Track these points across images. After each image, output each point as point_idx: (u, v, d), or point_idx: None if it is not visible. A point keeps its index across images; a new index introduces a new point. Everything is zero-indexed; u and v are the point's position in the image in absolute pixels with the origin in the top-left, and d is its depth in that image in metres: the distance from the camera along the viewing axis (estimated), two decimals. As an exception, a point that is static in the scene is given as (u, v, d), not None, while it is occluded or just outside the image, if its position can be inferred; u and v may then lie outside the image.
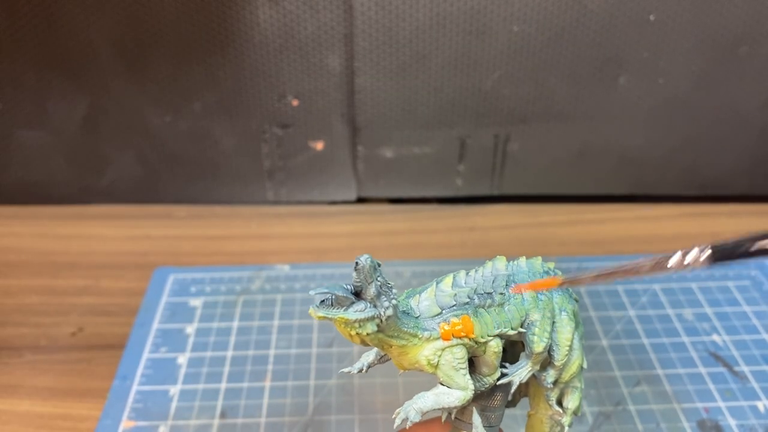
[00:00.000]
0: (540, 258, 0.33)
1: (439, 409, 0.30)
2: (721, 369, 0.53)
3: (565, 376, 0.32)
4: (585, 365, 0.33)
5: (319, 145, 0.71)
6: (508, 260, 0.32)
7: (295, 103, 0.68)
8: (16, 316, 0.59)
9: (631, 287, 0.61)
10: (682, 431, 0.48)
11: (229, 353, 0.54)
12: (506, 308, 0.30)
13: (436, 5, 0.62)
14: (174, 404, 0.50)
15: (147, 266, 0.64)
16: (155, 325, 0.57)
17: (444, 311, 0.30)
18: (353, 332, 0.28)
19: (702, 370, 0.53)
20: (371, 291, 0.27)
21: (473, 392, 0.30)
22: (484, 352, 0.30)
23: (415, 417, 0.30)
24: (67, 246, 0.68)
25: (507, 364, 0.32)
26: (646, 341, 0.55)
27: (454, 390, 0.30)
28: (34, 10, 0.62)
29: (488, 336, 0.30)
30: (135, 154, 0.71)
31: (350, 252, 0.66)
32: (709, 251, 0.23)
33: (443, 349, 0.29)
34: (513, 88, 0.67)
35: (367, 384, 0.51)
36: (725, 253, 0.22)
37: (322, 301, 0.28)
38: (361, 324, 0.28)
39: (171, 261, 0.65)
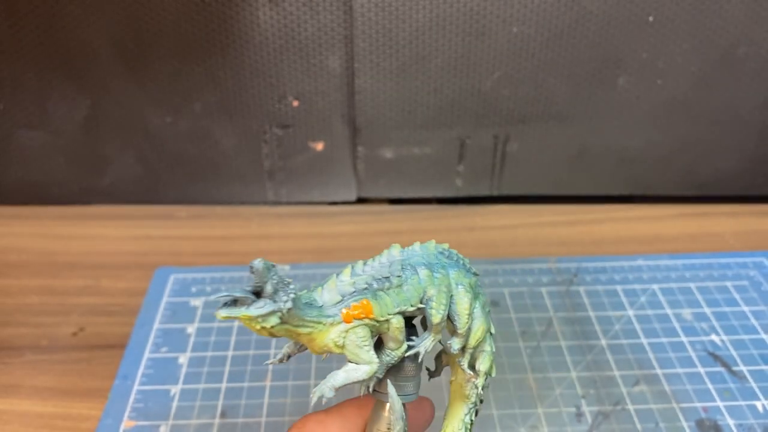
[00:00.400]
0: (433, 241, 0.35)
1: (352, 383, 0.33)
2: (720, 369, 0.53)
3: (472, 342, 0.35)
4: (492, 330, 0.36)
5: (320, 146, 0.71)
6: (404, 248, 0.35)
7: (295, 103, 0.68)
8: (16, 316, 0.59)
9: (630, 287, 0.61)
10: (681, 431, 0.48)
11: (230, 353, 0.54)
12: (404, 288, 0.33)
13: (436, 6, 0.62)
14: (175, 404, 0.50)
15: (148, 266, 0.64)
16: (156, 324, 0.57)
17: (345, 298, 0.32)
18: (258, 326, 0.30)
19: (701, 369, 0.53)
20: (268, 289, 0.30)
21: (380, 365, 0.33)
22: (388, 329, 0.33)
23: (329, 393, 0.33)
24: (67, 246, 0.68)
25: (414, 338, 0.34)
26: (644, 341, 0.55)
27: (362, 365, 0.33)
28: (34, 11, 0.62)
29: (388, 315, 0.33)
30: (135, 154, 0.71)
31: (350, 252, 0.66)
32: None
33: (347, 331, 0.32)
34: (512, 88, 0.67)
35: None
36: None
37: (225, 304, 0.30)
38: (264, 318, 0.30)
39: (172, 261, 0.65)
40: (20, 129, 0.69)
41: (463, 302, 0.34)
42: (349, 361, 0.33)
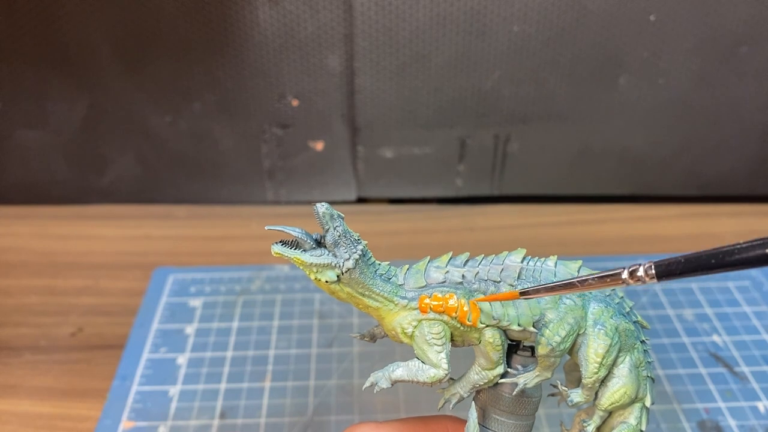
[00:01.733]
0: (581, 262, 0.31)
1: (413, 382, 0.30)
2: (722, 369, 0.53)
3: (604, 403, 0.29)
4: (648, 402, 0.30)
5: (319, 146, 0.71)
6: (531, 257, 0.31)
7: (295, 103, 0.68)
8: (15, 317, 0.59)
9: (631, 288, 0.61)
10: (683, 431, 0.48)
11: (229, 354, 0.54)
12: (517, 302, 0.29)
13: (436, 5, 0.62)
14: (174, 405, 0.50)
15: (147, 266, 0.64)
16: (155, 325, 0.57)
17: (430, 285, 0.29)
18: (314, 277, 0.28)
19: (702, 370, 0.53)
20: (328, 239, 0.28)
21: (447, 373, 0.29)
22: (479, 341, 0.29)
23: (384, 384, 0.30)
24: (66, 246, 0.67)
25: (519, 367, 0.30)
26: (646, 342, 0.55)
27: (427, 366, 0.29)
28: (34, 10, 0.62)
29: (481, 324, 0.29)
30: (135, 154, 0.71)
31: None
32: (652, 271, 0.23)
33: (419, 321, 0.29)
34: (513, 88, 0.67)
35: (366, 369, 0.51)
36: (667, 272, 0.23)
37: (283, 242, 0.29)
38: (319, 270, 0.28)
39: (171, 261, 0.65)
40: (20, 129, 0.69)
41: (596, 346, 0.29)
42: (416, 357, 0.30)
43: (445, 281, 0.29)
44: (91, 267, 0.64)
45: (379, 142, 0.71)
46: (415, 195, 0.75)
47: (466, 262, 0.30)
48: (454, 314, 0.28)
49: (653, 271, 0.23)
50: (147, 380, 0.52)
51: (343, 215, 0.28)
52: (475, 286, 0.29)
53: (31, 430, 0.49)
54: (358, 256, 0.28)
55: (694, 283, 0.61)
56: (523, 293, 0.27)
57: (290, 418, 0.49)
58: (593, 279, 0.25)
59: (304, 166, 0.72)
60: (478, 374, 0.30)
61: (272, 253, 0.28)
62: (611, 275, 0.24)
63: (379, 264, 0.30)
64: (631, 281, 0.23)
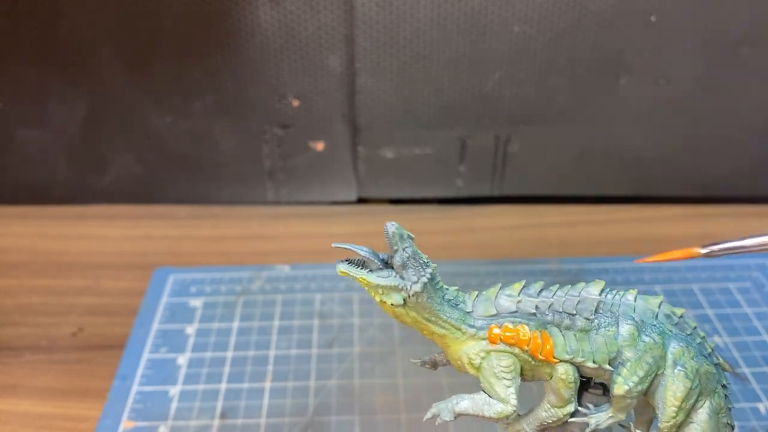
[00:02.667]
0: (662, 297, 0.29)
1: (478, 417, 0.28)
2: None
3: None
4: None
5: (320, 146, 0.71)
6: (610, 289, 0.29)
7: (295, 103, 0.68)
8: (16, 316, 0.59)
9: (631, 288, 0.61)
10: (683, 433, 0.48)
11: (229, 354, 0.54)
12: (591, 337, 0.27)
13: (437, 6, 0.62)
14: (174, 405, 0.50)
15: (147, 266, 0.64)
16: (155, 325, 0.57)
17: (501, 315, 0.28)
18: (379, 299, 0.27)
19: (703, 371, 0.52)
20: (397, 260, 0.27)
21: (515, 410, 0.28)
22: (550, 377, 0.28)
23: (448, 417, 0.28)
24: (67, 246, 0.67)
25: (591, 405, 0.28)
26: (646, 342, 0.55)
27: (494, 401, 0.28)
28: (35, 11, 0.62)
29: (554, 358, 0.27)
30: (135, 154, 0.71)
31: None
32: None
33: (488, 352, 0.27)
34: (514, 88, 0.67)
35: (367, 385, 0.51)
36: None
37: (350, 261, 0.28)
38: (385, 292, 0.27)
39: (171, 261, 0.65)
40: (20, 129, 0.69)
41: (675, 389, 0.27)
42: (482, 390, 0.28)
43: (516, 311, 0.28)
44: (91, 267, 0.64)
45: (380, 142, 0.71)
46: (416, 195, 0.75)
47: (540, 291, 0.28)
48: (525, 347, 0.27)
49: None
50: (147, 380, 0.52)
51: (413, 236, 0.28)
52: (549, 317, 0.27)
53: (31, 430, 0.49)
54: (426, 280, 0.27)
55: (695, 284, 0.61)
56: (707, 254, 0.27)
57: (290, 419, 0.49)
58: None
59: (304, 166, 0.72)
60: (547, 411, 0.28)
61: (337, 271, 0.27)
62: None
63: (447, 289, 0.28)
64: None
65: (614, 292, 0.28)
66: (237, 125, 0.69)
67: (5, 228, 0.70)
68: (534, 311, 0.27)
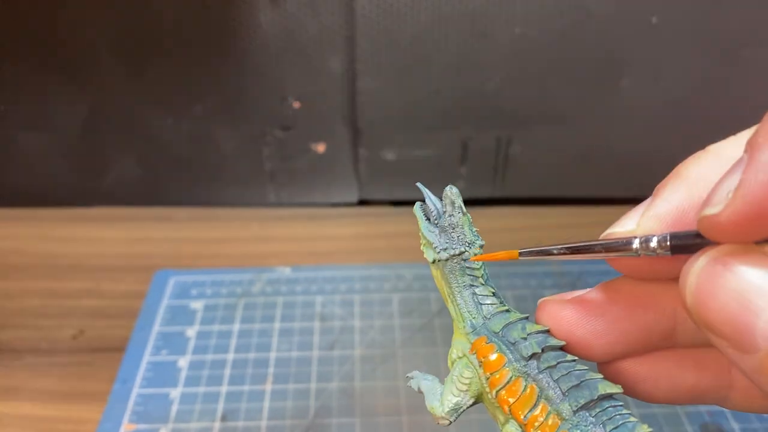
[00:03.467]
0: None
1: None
2: (725, 373, 0.52)
3: None
4: None
5: (321, 148, 0.71)
6: (616, 403, 0.24)
7: (296, 105, 0.68)
8: (16, 319, 0.59)
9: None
10: (686, 435, 0.48)
11: (230, 356, 0.54)
12: (562, 426, 0.23)
13: (438, 7, 0.62)
14: (175, 407, 0.50)
15: (148, 269, 0.63)
16: (156, 327, 0.57)
17: (500, 336, 0.26)
18: (421, 247, 0.28)
19: (705, 373, 0.52)
20: (441, 221, 0.28)
21: (444, 418, 0.26)
22: (502, 427, 0.25)
23: (414, 386, 0.29)
24: (67, 248, 0.67)
25: None
26: (648, 344, 0.55)
27: (438, 395, 0.27)
28: (35, 12, 0.62)
29: (506, 408, 0.24)
30: (136, 156, 0.71)
31: (352, 255, 0.66)
32: (666, 242, 0.22)
33: (462, 356, 0.27)
34: (515, 90, 0.67)
35: (368, 387, 0.51)
36: (683, 246, 0.21)
37: (423, 203, 0.29)
38: (424, 243, 0.28)
39: (172, 263, 0.64)
40: (21, 131, 0.69)
41: None
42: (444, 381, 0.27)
43: (515, 343, 0.25)
44: (92, 269, 0.64)
45: (381, 144, 0.71)
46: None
47: (553, 348, 0.25)
48: (488, 374, 0.25)
49: (668, 243, 0.22)
50: (148, 383, 0.52)
51: (466, 211, 0.28)
52: (537, 375, 0.24)
53: (31, 433, 0.49)
54: (452, 254, 0.28)
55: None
56: (522, 253, 0.26)
57: (291, 421, 0.48)
58: (600, 246, 0.24)
59: (305, 168, 0.72)
60: None
61: (414, 209, 0.29)
62: (622, 242, 0.23)
63: (482, 284, 0.28)
64: (642, 252, 0.22)
65: (621, 410, 0.24)
66: (238, 127, 0.69)
67: (6, 230, 0.70)
68: (530, 357, 0.25)
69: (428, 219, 0.29)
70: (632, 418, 0.24)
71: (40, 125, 0.69)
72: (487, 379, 0.25)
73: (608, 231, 0.25)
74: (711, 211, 0.19)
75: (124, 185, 0.73)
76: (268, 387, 0.51)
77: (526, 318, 0.27)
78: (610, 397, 0.24)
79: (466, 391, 0.26)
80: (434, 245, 0.28)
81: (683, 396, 0.25)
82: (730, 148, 0.25)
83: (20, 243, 0.68)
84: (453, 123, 0.69)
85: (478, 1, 0.62)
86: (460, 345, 0.27)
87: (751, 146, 0.19)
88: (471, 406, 0.27)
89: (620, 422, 0.23)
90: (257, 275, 0.63)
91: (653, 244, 0.22)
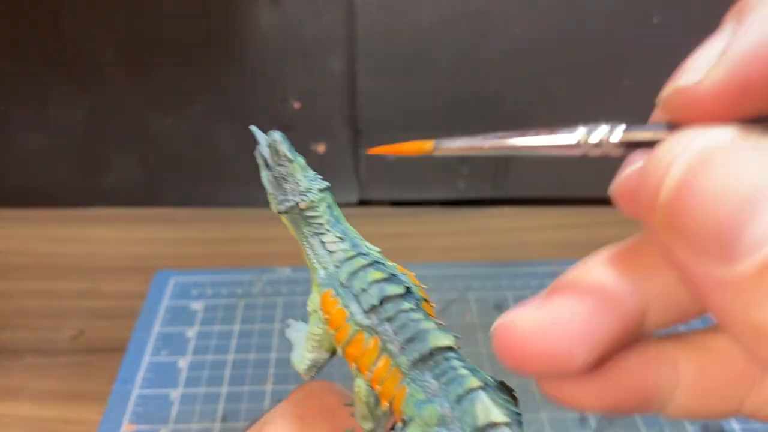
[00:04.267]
0: (505, 419, 0.22)
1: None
2: (726, 373, 0.52)
3: None
4: None
5: (321, 148, 0.71)
6: (458, 355, 0.23)
7: (296, 105, 0.68)
8: (16, 319, 0.58)
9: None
10: (687, 436, 0.47)
11: (231, 357, 0.54)
12: (402, 381, 0.23)
13: (439, 7, 0.62)
14: (175, 408, 0.50)
15: (148, 269, 0.63)
16: (156, 328, 0.57)
17: (345, 287, 0.25)
18: (268, 197, 0.27)
19: (706, 374, 0.52)
20: (274, 171, 0.27)
21: (303, 374, 0.27)
22: (354, 382, 0.25)
23: (287, 335, 0.29)
24: (67, 249, 0.67)
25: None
26: (650, 345, 0.55)
27: (299, 350, 0.27)
28: (35, 13, 0.62)
29: (353, 363, 0.24)
30: (136, 156, 0.71)
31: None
32: (621, 132, 0.18)
33: (315, 311, 0.26)
34: (516, 90, 0.67)
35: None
36: (638, 140, 0.18)
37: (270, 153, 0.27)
38: (267, 192, 0.27)
39: (172, 264, 0.64)
40: (21, 131, 0.69)
41: None
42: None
43: (357, 295, 0.24)
44: (92, 270, 0.64)
45: (381, 144, 0.70)
46: (417, 197, 0.75)
47: (390, 297, 0.24)
48: (333, 330, 0.25)
49: (619, 139, 0.18)
50: (148, 383, 0.51)
51: (292, 158, 0.27)
52: (378, 327, 0.24)
53: (31, 434, 0.49)
54: (290, 206, 0.26)
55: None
56: (438, 146, 0.22)
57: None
58: (545, 133, 0.19)
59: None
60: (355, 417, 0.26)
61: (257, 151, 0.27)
62: (563, 136, 0.19)
63: (327, 231, 0.26)
64: (590, 149, 0.18)
65: (461, 361, 0.23)
66: (238, 127, 0.69)
67: (6, 230, 0.70)
68: (369, 309, 0.24)
69: (267, 167, 0.27)
70: (464, 371, 0.22)
71: (41, 125, 0.69)
72: (333, 335, 0.25)
73: (671, 86, 0.18)
74: (687, 80, 0.16)
75: (125, 185, 0.73)
76: (269, 388, 0.51)
77: (372, 264, 0.25)
78: (446, 349, 0.23)
79: (320, 347, 0.26)
80: (274, 196, 0.27)
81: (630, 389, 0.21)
82: None
83: (20, 243, 0.68)
84: (453, 123, 0.69)
85: (479, 2, 0.62)
86: (313, 298, 0.26)
87: (738, 12, 0.15)
88: (330, 358, 0.26)
89: (453, 376, 0.22)
90: (258, 276, 0.63)
91: (597, 138, 0.18)
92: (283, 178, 0.27)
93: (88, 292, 0.62)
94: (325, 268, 0.26)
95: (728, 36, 0.15)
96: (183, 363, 0.53)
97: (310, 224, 0.26)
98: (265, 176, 0.27)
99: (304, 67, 0.65)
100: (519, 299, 0.62)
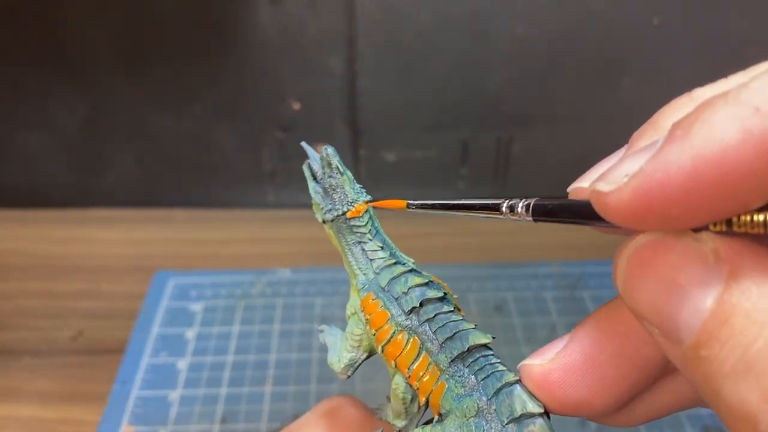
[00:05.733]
0: (539, 409, 0.23)
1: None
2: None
3: None
4: None
5: (320, 149, 0.70)
6: (494, 354, 0.25)
7: (296, 105, 0.68)
8: (15, 320, 0.58)
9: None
10: (687, 438, 0.47)
11: (230, 358, 0.54)
12: (440, 378, 0.24)
13: (439, 7, 0.62)
14: (174, 409, 0.49)
15: (147, 270, 0.63)
16: (155, 329, 0.57)
17: (386, 291, 0.26)
18: (313, 208, 0.29)
19: (707, 375, 0.52)
20: (323, 183, 0.28)
21: (340, 374, 0.28)
22: (392, 378, 0.26)
23: (321, 339, 0.30)
24: (67, 249, 0.67)
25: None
26: (650, 346, 0.55)
27: (337, 351, 0.28)
28: (35, 13, 0.62)
29: (393, 362, 0.25)
30: (135, 156, 0.71)
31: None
32: (531, 206, 0.22)
33: (354, 313, 0.27)
34: (516, 90, 0.67)
35: (369, 390, 0.51)
36: (545, 212, 0.22)
37: (311, 165, 0.29)
38: (314, 204, 0.28)
39: (171, 265, 0.64)
40: (20, 131, 0.69)
41: None
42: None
43: (398, 298, 0.26)
44: (91, 270, 0.64)
45: (381, 144, 0.70)
46: (419, 197, 0.74)
47: (429, 299, 0.26)
48: (374, 330, 0.26)
49: (530, 210, 0.22)
50: (147, 385, 0.51)
51: (343, 170, 0.29)
52: (418, 328, 0.25)
53: (30, 435, 0.48)
54: (337, 215, 0.28)
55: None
56: (410, 204, 0.27)
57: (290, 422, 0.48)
58: (477, 203, 0.25)
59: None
60: (384, 415, 0.28)
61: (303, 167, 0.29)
62: (493, 204, 0.23)
63: (369, 240, 0.28)
64: (510, 216, 0.23)
65: (497, 358, 0.25)
66: (238, 128, 0.69)
67: (5, 231, 0.70)
68: (410, 311, 0.25)
69: (315, 179, 0.29)
70: (501, 367, 0.24)
71: (40, 125, 0.68)
72: (374, 335, 0.26)
73: (572, 186, 0.22)
74: (603, 187, 0.18)
75: (124, 186, 0.73)
76: (268, 389, 0.51)
77: (410, 271, 0.27)
78: (482, 347, 0.25)
79: (359, 347, 0.27)
80: (321, 205, 0.28)
81: (661, 414, 0.24)
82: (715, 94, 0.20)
83: (19, 244, 0.68)
84: (453, 123, 0.69)
85: (479, 1, 0.62)
86: (353, 302, 0.28)
87: (672, 129, 0.17)
88: (366, 359, 0.28)
89: (490, 371, 0.24)
90: (257, 277, 0.62)
91: (519, 209, 0.22)
92: (333, 189, 0.28)
93: (87, 292, 0.62)
94: (365, 274, 0.28)
95: (652, 152, 0.17)
96: (182, 364, 0.53)
97: (354, 233, 0.28)
98: (312, 188, 0.29)
99: (303, 67, 0.65)
100: (519, 300, 0.62)
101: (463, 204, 0.25)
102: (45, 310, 0.59)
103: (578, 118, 0.69)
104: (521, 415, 0.22)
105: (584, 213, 0.20)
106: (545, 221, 0.21)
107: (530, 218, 0.22)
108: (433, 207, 0.26)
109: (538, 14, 0.62)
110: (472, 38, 0.64)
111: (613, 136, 0.78)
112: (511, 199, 0.23)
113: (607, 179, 0.18)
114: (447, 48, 0.64)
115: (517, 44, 0.64)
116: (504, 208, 0.23)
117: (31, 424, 0.49)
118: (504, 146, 0.71)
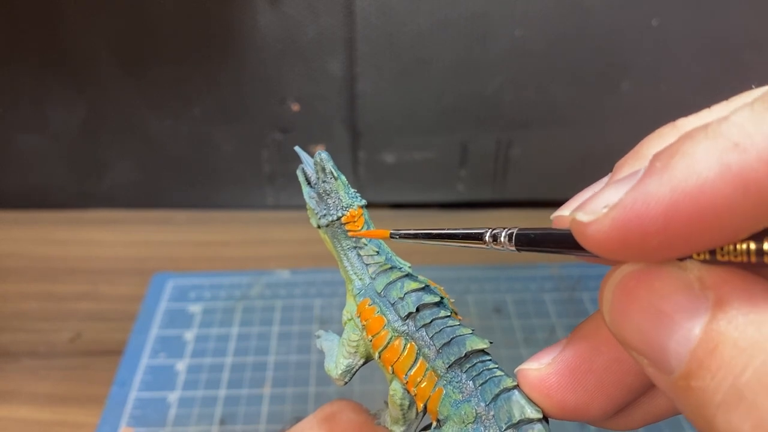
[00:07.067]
0: (539, 415, 0.24)
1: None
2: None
3: None
4: None
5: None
6: (491, 359, 0.25)
7: (295, 108, 0.68)
8: (14, 322, 0.58)
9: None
10: (686, 440, 0.47)
11: (229, 360, 0.54)
12: (438, 384, 0.24)
13: (438, 10, 0.62)
14: (173, 411, 0.49)
15: (146, 272, 0.63)
16: (154, 331, 0.56)
17: (382, 296, 0.27)
18: (307, 212, 0.28)
19: (706, 377, 0.52)
20: (317, 188, 0.28)
21: (338, 380, 0.28)
22: (390, 384, 0.26)
23: (318, 345, 0.30)
24: (65, 251, 0.67)
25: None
26: (649, 348, 0.55)
27: (333, 357, 0.28)
28: (34, 15, 0.62)
29: (390, 368, 0.25)
30: (134, 158, 0.71)
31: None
32: (514, 235, 0.22)
33: (351, 319, 0.27)
34: (515, 92, 0.67)
35: (368, 392, 0.51)
36: (528, 241, 0.22)
37: (305, 170, 0.29)
38: (308, 208, 0.28)
39: (170, 266, 0.64)
40: (19, 134, 0.69)
41: None
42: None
43: (394, 303, 0.26)
44: (89, 272, 0.64)
45: (381, 147, 0.70)
46: (417, 200, 0.74)
47: (425, 304, 0.26)
48: (370, 337, 0.26)
49: (513, 240, 0.22)
50: (146, 386, 0.51)
51: (337, 176, 0.28)
52: (415, 333, 0.25)
53: (28, 437, 0.48)
54: (332, 220, 0.28)
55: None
56: (393, 234, 0.26)
57: (290, 425, 0.48)
58: (460, 233, 0.24)
59: (304, 170, 0.72)
60: (382, 420, 0.28)
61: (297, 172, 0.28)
62: (476, 234, 0.23)
63: (365, 245, 0.28)
64: (493, 245, 0.23)
65: (494, 363, 0.25)
66: (237, 129, 0.69)
67: (3, 233, 0.70)
68: (406, 317, 0.25)
69: (309, 184, 0.28)
70: (499, 372, 0.24)
71: (39, 128, 0.68)
72: (370, 341, 0.26)
73: (555, 214, 0.23)
74: (582, 217, 0.18)
75: (123, 188, 0.73)
76: (267, 390, 0.51)
77: (407, 275, 0.27)
78: (480, 352, 0.25)
79: (355, 353, 0.27)
80: (316, 210, 0.28)
81: (660, 416, 0.24)
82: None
83: (18, 246, 0.68)
84: (453, 125, 0.69)
85: (478, 4, 0.62)
86: (348, 307, 0.28)
87: (652, 160, 0.17)
88: (364, 364, 0.28)
89: (488, 377, 0.24)
90: (256, 278, 0.62)
91: (502, 238, 0.22)
92: (327, 195, 0.28)
93: (85, 294, 0.61)
94: (361, 279, 0.28)
95: (632, 183, 0.17)
96: (181, 366, 0.53)
97: (349, 237, 0.28)
98: (306, 193, 0.28)
99: (303, 69, 0.65)
100: (518, 302, 0.62)
101: (446, 233, 0.24)
102: (43, 312, 0.59)
103: (577, 121, 0.69)
104: (520, 421, 0.22)
105: (567, 242, 0.20)
106: (528, 251, 0.22)
107: (513, 248, 0.22)
108: (416, 237, 0.25)
109: (537, 17, 0.62)
110: (471, 41, 0.64)
111: (613, 139, 0.79)
112: (494, 228, 0.23)
113: (587, 209, 0.18)
114: (446, 50, 0.64)
115: (515, 47, 0.64)
116: (487, 238, 0.23)
117: (29, 426, 0.49)
118: (503, 148, 0.71)
